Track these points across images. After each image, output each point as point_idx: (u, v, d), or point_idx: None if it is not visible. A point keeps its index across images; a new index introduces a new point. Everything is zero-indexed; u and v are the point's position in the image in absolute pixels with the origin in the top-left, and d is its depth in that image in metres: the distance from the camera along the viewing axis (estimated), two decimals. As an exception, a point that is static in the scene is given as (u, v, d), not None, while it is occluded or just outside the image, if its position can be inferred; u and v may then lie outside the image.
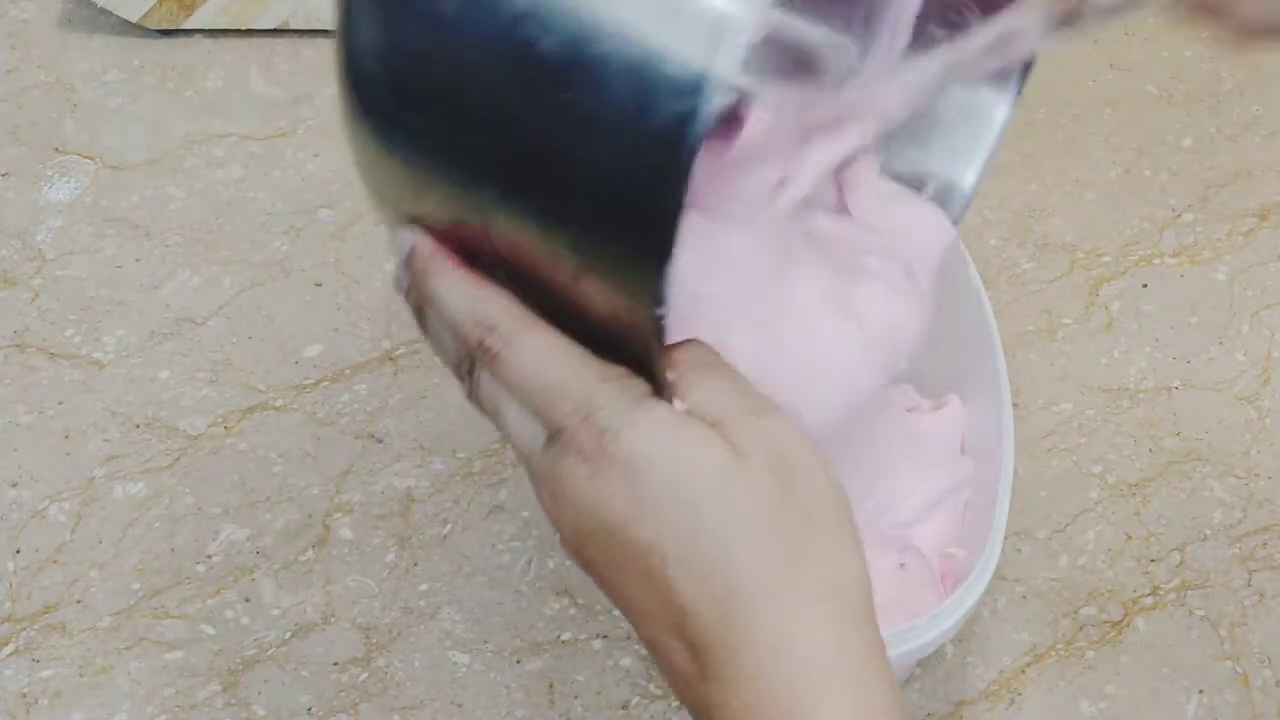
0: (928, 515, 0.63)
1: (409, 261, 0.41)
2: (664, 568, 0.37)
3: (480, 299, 0.40)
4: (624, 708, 0.64)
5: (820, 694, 0.36)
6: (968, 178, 0.53)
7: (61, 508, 0.69)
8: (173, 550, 0.68)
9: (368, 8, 0.38)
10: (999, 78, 0.51)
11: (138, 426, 0.72)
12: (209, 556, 0.68)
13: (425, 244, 0.41)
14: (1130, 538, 0.69)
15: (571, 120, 0.35)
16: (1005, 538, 0.58)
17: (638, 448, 0.37)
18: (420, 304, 0.42)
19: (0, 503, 0.69)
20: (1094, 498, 0.70)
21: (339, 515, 0.70)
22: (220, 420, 0.73)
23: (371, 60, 0.38)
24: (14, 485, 0.70)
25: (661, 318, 0.36)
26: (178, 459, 0.71)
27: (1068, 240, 0.81)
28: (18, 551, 0.68)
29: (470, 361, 0.41)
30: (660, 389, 0.38)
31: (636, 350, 0.38)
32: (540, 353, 0.39)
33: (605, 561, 0.39)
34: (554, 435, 0.38)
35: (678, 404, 0.38)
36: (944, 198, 0.53)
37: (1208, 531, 0.69)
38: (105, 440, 0.72)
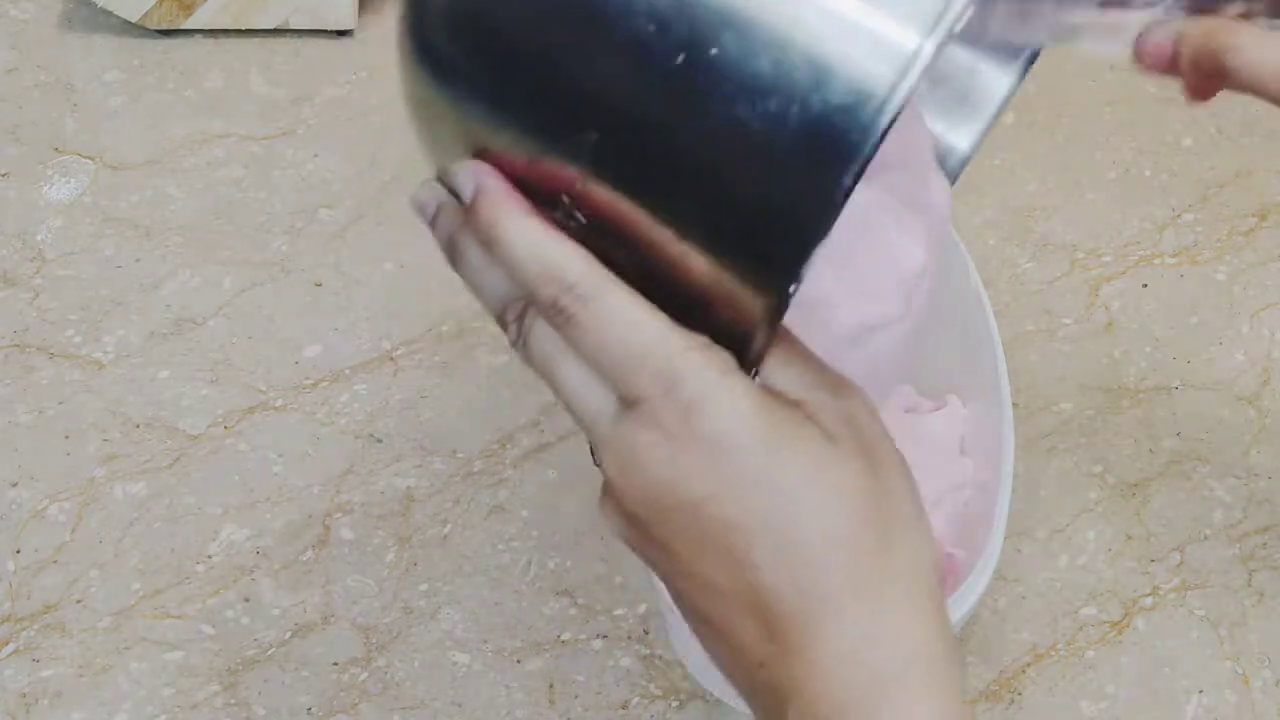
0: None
1: (474, 200, 0.38)
2: (749, 548, 0.36)
3: (558, 254, 0.37)
4: (624, 708, 0.64)
5: (899, 680, 0.36)
6: (965, 141, 0.52)
7: (61, 508, 0.69)
8: (173, 550, 0.68)
9: None
10: (1011, 52, 0.51)
11: (138, 426, 0.72)
12: (209, 556, 0.68)
13: (497, 183, 0.38)
14: (1130, 538, 0.69)
15: (728, 86, 0.31)
16: (1005, 538, 0.58)
17: (726, 425, 0.36)
18: (462, 243, 0.39)
19: (0, 503, 0.69)
20: (1094, 498, 0.70)
21: (339, 515, 0.70)
22: (220, 420, 0.73)
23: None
24: (14, 485, 0.70)
25: (787, 302, 0.33)
26: (178, 459, 0.71)
27: (1068, 240, 0.81)
28: (18, 551, 0.68)
29: (523, 309, 0.38)
30: (749, 364, 0.36)
31: (726, 319, 0.35)
32: (621, 318, 0.36)
33: (678, 536, 0.37)
34: (629, 405, 0.37)
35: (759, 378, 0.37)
36: (941, 159, 0.52)
37: (1208, 531, 0.69)
38: (105, 440, 0.72)
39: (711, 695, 0.64)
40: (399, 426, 0.73)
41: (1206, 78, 0.49)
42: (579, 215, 0.36)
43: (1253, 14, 0.50)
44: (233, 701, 0.63)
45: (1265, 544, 0.68)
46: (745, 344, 0.36)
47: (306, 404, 0.73)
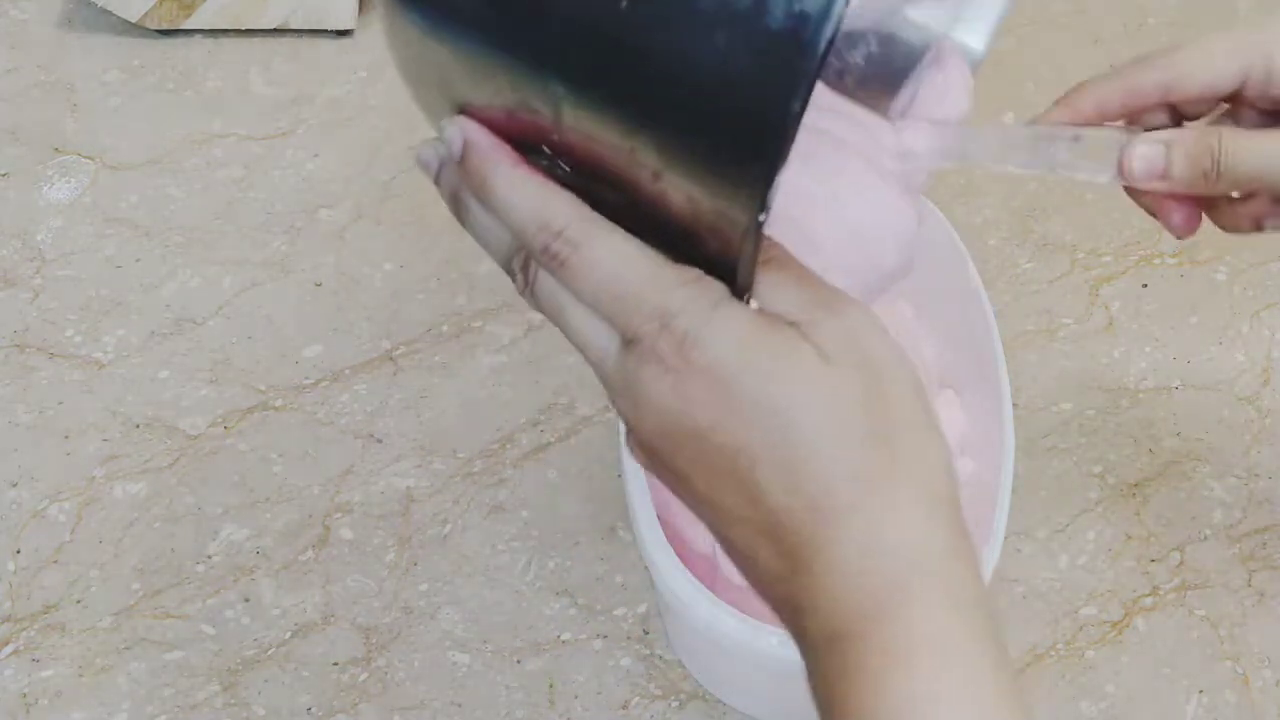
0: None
1: (464, 155, 0.39)
2: (754, 471, 0.37)
3: (546, 201, 0.38)
4: (624, 708, 0.64)
5: (910, 584, 0.36)
6: (977, 41, 0.52)
7: (61, 508, 0.69)
8: (173, 550, 0.68)
9: None
10: None
11: (138, 426, 0.72)
12: (209, 556, 0.68)
13: (483, 136, 0.39)
14: (1130, 538, 0.69)
15: (676, 20, 0.33)
16: (1005, 538, 0.58)
17: (721, 353, 0.37)
18: (464, 197, 0.40)
19: (0, 503, 0.70)
20: (1094, 498, 0.70)
21: (339, 515, 0.70)
22: (220, 420, 0.73)
23: None
24: (14, 485, 0.70)
25: (761, 224, 0.34)
26: (178, 459, 0.71)
27: (1068, 240, 0.81)
28: (18, 551, 0.68)
29: (526, 258, 0.39)
30: (740, 290, 0.37)
31: (714, 249, 0.36)
32: (612, 258, 0.38)
33: (691, 466, 0.38)
34: (630, 343, 0.38)
35: (751, 303, 0.38)
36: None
37: (1208, 531, 0.69)
38: (105, 440, 0.72)
39: (711, 695, 0.64)
40: (399, 426, 0.73)
41: (1200, 182, 0.48)
42: (562, 163, 0.37)
43: (1241, 120, 0.51)
44: (233, 701, 0.63)
45: (1265, 544, 0.68)
46: (733, 271, 0.37)
47: (306, 404, 0.73)
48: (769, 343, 0.37)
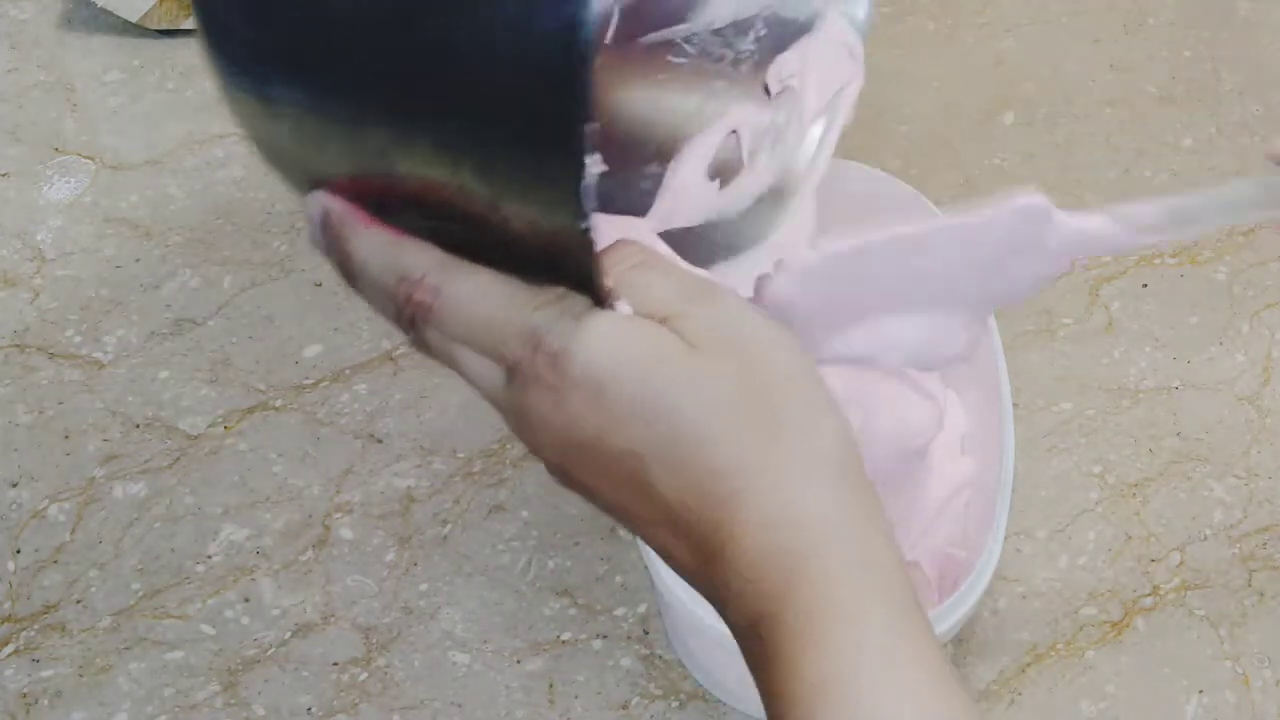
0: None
1: (324, 227, 0.40)
2: (645, 471, 0.37)
3: (398, 253, 0.39)
4: (624, 708, 0.64)
5: (814, 555, 0.36)
6: (860, 9, 0.52)
7: (61, 508, 0.69)
8: (173, 550, 0.68)
9: None
10: None
11: (138, 426, 0.72)
12: (209, 556, 0.68)
13: (336, 205, 0.40)
14: (1130, 538, 0.69)
15: (454, 37, 0.34)
16: (1005, 538, 0.58)
17: (592, 362, 0.37)
18: (343, 266, 0.41)
19: (0, 503, 0.69)
20: (1094, 498, 0.70)
21: (339, 515, 0.70)
22: (220, 420, 0.73)
23: (232, 17, 0.37)
24: (14, 485, 0.70)
25: (587, 230, 0.35)
26: (178, 459, 0.71)
27: (1068, 240, 0.81)
28: (18, 551, 0.68)
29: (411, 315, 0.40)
30: (601, 300, 0.38)
31: (570, 268, 0.37)
32: (471, 294, 0.38)
33: (594, 478, 0.39)
34: (511, 371, 0.38)
35: (622, 307, 0.38)
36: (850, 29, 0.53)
37: (1208, 531, 0.69)
38: (105, 440, 0.72)
39: (712, 695, 0.64)
40: (399, 426, 0.73)
41: None
42: (419, 215, 0.38)
43: None
44: (233, 701, 0.63)
45: (1265, 544, 0.68)
46: (589, 282, 0.37)
47: (306, 404, 0.73)
48: (636, 342, 0.38)
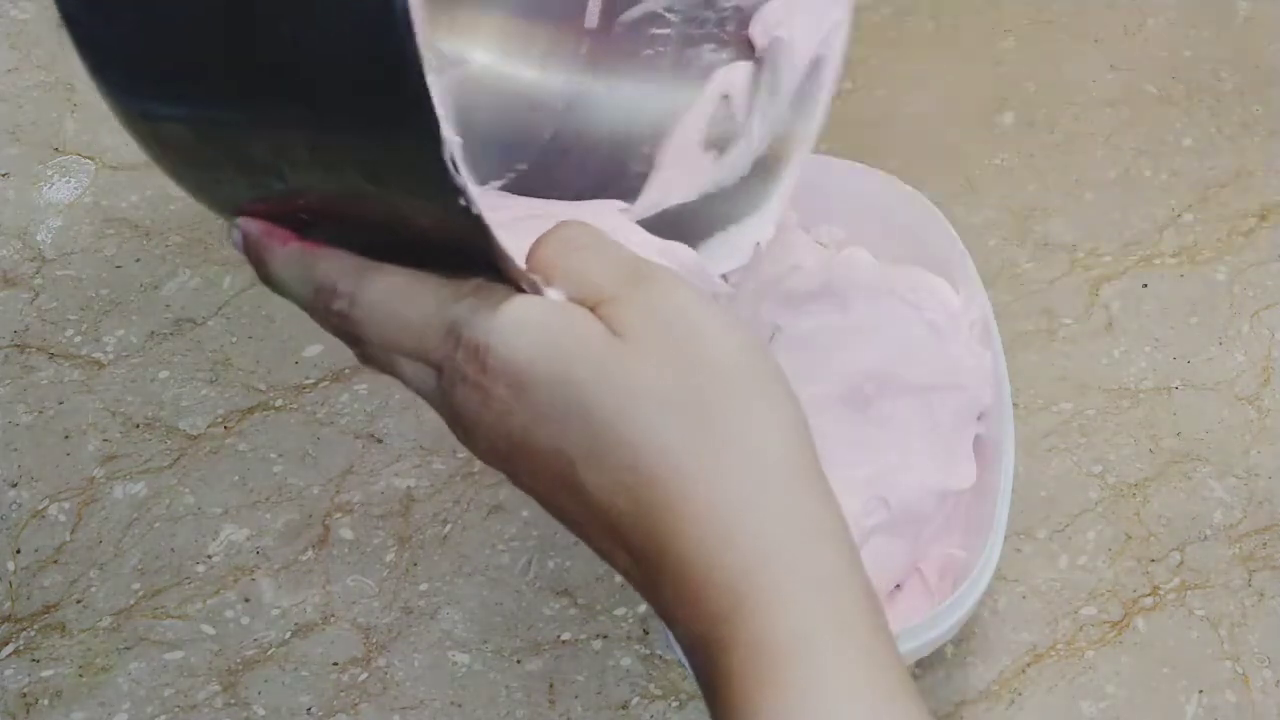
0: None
1: (246, 252, 0.39)
2: (574, 471, 0.35)
3: (313, 265, 0.38)
4: (624, 708, 0.64)
5: (758, 575, 0.33)
6: None
7: (61, 508, 0.69)
8: (173, 550, 0.68)
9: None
10: None
11: (138, 426, 0.72)
12: (209, 556, 0.68)
13: (253, 227, 0.39)
14: (1130, 538, 0.69)
15: (284, 26, 0.33)
16: (1005, 538, 0.58)
17: (513, 353, 0.35)
18: (271, 287, 0.40)
19: (0, 503, 0.69)
20: (1094, 498, 0.70)
21: (339, 515, 0.70)
22: (220, 420, 0.73)
23: (106, 60, 0.37)
24: (14, 485, 0.70)
25: (468, 207, 0.33)
26: (178, 459, 0.71)
27: (1068, 240, 0.81)
28: (18, 551, 0.68)
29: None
30: (519, 285, 0.36)
31: (476, 254, 0.35)
32: (386, 296, 0.36)
33: (529, 477, 0.37)
34: (438, 370, 0.36)
35: (554, 294, 0.36)
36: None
37: (1208, 531, 0.69)
38: (105, 440, 0.72)
39: (711, 695, 0.64)
40: (399, 426, 0.73)
41: None
42: (330, 225, 0.37)
43: None
44: (233, 701, 0.63)
45: (1265, 544, 0.68)
46: (495, 265, 0.35)
47: (306, 404, 0.73)
48: (557, 330, 0.35)
